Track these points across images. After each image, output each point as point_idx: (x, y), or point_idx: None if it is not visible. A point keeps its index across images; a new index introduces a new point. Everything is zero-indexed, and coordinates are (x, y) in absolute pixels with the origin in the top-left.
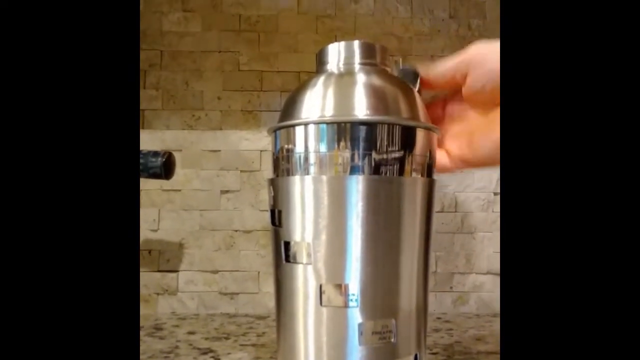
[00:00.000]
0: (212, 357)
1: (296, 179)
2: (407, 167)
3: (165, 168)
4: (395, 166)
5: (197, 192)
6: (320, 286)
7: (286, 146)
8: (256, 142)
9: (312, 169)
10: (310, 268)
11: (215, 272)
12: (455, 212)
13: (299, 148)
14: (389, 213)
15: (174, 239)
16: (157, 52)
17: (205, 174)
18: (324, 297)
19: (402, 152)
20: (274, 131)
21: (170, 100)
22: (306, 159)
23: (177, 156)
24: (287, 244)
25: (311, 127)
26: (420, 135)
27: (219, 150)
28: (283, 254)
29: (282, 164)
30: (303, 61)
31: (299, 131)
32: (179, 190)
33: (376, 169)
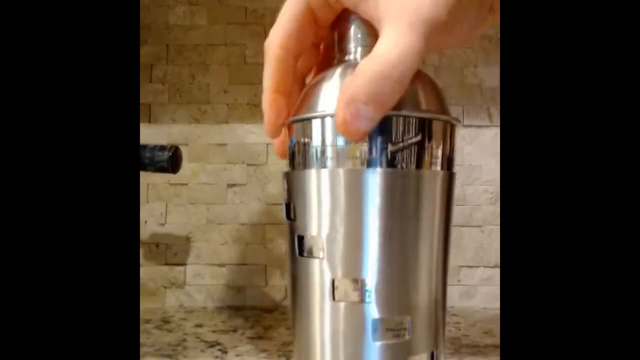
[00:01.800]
0: (220, 350)
1: (312, 172)
2: (426, 160)
3: (172, 162)
4: (413, 159)
5: (203, 186)
6: (333, 281)
7: (302, 139)
8: (262, 135)
9: (329, 163)
10: (325, 262)
11: (222, 265)
12: (464, 205)
13: (316, 141)
14: (407, 207)
15: (181, 233)
16: (163, 46)
17: (212, 167)
18: (337, 292)
19: (420, 145)
20: (290, 124)
21: (176, 94)
22: (323, 152)
23: (184, 150)
24: (302, 238)
25: (328, 120)
26: (438, 127)
27: (226, 144)
28: (297, 248)
29: (298, 157)
30: None
31: (316, 124)
32: (186, 184)
33: (394, 162)
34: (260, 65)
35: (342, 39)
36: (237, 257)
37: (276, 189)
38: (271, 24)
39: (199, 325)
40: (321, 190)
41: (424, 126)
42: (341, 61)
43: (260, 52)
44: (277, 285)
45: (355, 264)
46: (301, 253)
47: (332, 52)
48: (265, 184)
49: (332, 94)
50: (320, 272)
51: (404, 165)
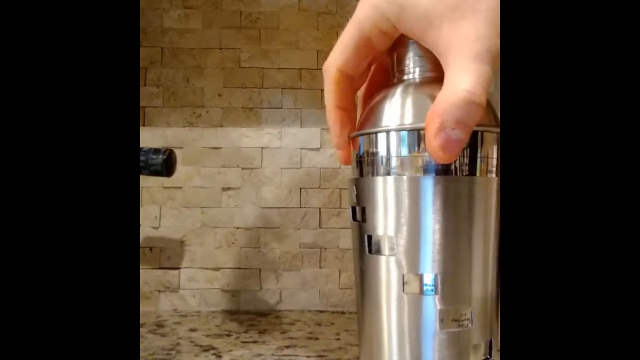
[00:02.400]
0: (214, 354)
1: (380, 179)
2: (480, 167)
3: (167, 165)
4: (468, 167)
5: (198, 190)
6: (403, 276)
7: (370, 150)
8: (257, 139)
9: (394, 170)
10: (392, 259)
11: (217, 269)
12: None
13: (382, 152)
14: (464, 210)
15: (175, 236)
16: (157, 49)
17: (206, 171)
18: (405, 285)
19: (474, 154)
20: (357, 137)
21: (171, 97)
22: (388, 161)
23: (178, 153)
24: (371, 238)
25: (393, 134)
26: (490, 137)
27: (220, 148)
28: (367, 246)
29: (366, 166)
30: (304, 58)
31: (382, 137)
32: (180, 188)
33: (451, 170)
34: (255, 69)
35: (401, 61)
36: (231, 261)
37: (271, 193)
38: (266, 27)
39: (193, 330)
40: (387, 194)
41: (477, 137)
42: (400, 80)
43: (254, 56)
44: (272, 289)
45: (419, 260)
46: (370, 251)
47: (388, 72)
48: (259, 187)
49: (394, 110)
50: (390, 268)
51: (460, 172)
